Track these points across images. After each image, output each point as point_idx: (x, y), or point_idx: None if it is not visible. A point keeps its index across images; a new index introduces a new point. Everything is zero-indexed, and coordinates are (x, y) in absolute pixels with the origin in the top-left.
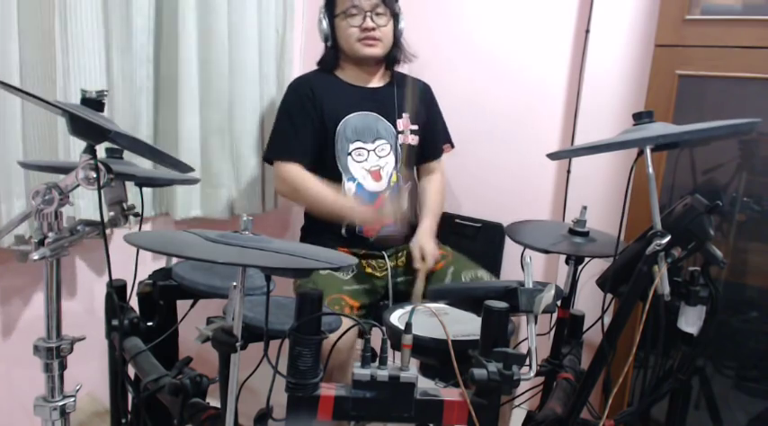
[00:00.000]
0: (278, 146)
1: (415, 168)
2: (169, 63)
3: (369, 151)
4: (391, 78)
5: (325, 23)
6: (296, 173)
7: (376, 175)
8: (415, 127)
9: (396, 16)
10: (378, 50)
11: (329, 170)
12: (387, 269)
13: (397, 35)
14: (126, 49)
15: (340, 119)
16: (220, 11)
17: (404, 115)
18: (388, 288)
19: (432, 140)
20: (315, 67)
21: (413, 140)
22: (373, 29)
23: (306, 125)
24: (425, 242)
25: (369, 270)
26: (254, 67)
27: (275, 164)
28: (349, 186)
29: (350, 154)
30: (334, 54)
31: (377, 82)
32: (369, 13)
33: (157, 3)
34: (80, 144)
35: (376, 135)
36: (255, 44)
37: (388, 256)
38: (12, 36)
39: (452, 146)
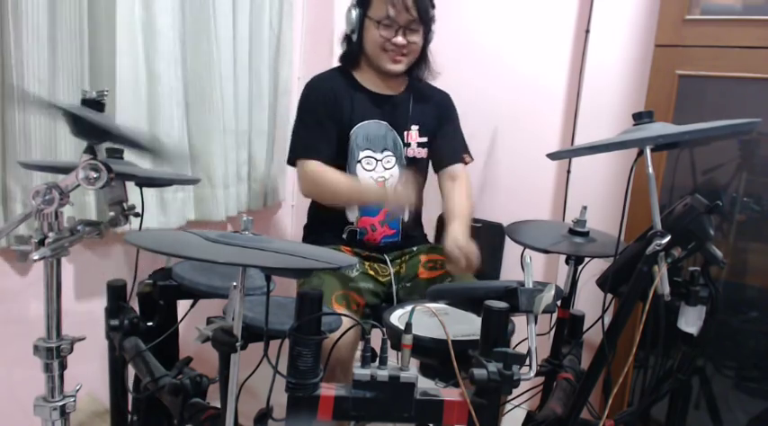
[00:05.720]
0: (299, 146)
1: (434, 176)
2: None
3: (377, 161)
4: (408, 86)
5: (354, 16)
6: (315, 167)
7: (381, 186)
8: (424, 139)
9: (428, 31)
10: (402, 67)
11: None
12: (389, 274)
13: (425, 49)
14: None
15: (354, 125)
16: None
17: (413, 127)
18: (392, 295)
19: (449, 146)
20: (314, 69)
21: (419, 153)
22: (403, 45)
23: (327, 122)
24: (464, 242)
25: (371, 272)
26: (244, 64)
27: (297, 163)
28: None
29: (359, 161)
30: (357, 51)
31: (393, 89)
32: (402, 29)
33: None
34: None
35: (384, 145)
36: (246, 40)
37: (391, 261)
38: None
39: (471, 158)
